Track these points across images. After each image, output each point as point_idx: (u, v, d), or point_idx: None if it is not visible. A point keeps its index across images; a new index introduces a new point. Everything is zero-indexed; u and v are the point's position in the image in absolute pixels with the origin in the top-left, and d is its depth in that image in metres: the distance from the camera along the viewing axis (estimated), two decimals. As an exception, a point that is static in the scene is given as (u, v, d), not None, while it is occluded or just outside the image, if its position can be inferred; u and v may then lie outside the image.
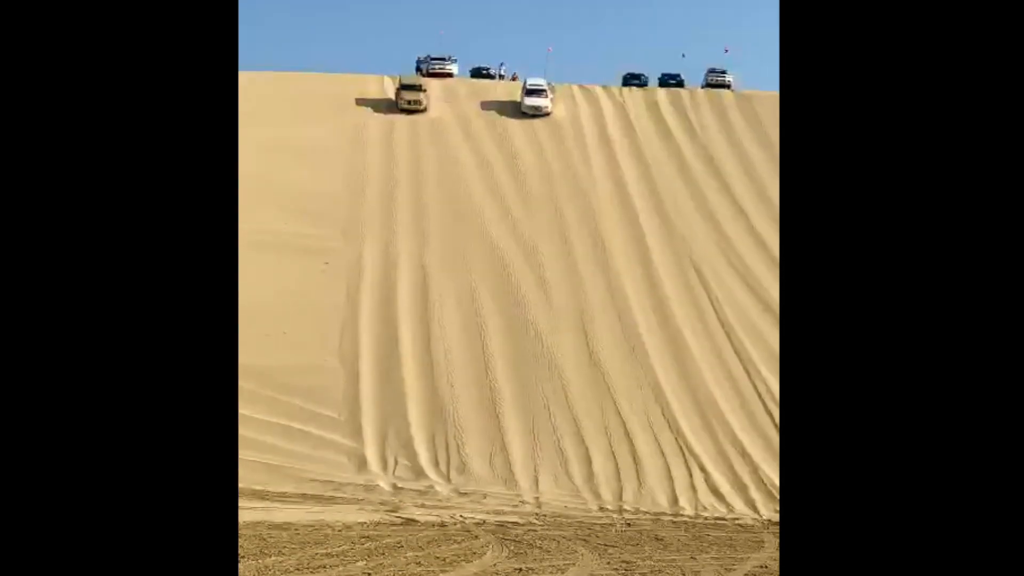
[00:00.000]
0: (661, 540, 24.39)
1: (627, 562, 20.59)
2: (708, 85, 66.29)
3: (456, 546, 22.00)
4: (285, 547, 20.42)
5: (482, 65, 69.94)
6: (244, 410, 29.78)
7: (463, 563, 19.83)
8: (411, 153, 55.35)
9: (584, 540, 23.73)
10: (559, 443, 34.50)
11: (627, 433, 35.14)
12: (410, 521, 26.48)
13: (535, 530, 25.41)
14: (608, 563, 20.41)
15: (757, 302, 43.34)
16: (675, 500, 31.57)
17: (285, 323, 39.50)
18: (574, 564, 20.16)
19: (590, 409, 36.27)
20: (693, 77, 67.46)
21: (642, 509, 30.63)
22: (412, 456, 33.56)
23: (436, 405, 36.25)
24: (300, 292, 42.19)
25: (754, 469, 33.41)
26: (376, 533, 23.65)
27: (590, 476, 32.86)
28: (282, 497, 29.30)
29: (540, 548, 22.15)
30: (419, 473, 32.71)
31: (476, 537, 23.65)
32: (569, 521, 27.72)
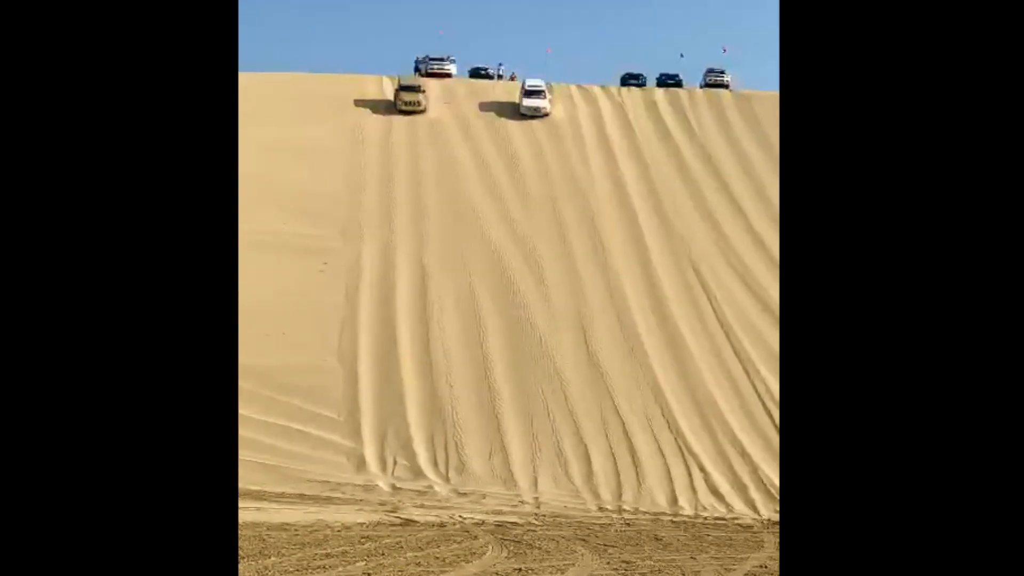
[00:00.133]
0: (660, 540, 24.39)
1: (627, 562, 20.58)
2: (706, 85, 66.32)
3: (455, 546, 22.00)
4: (284, 548, 20.41)
5: (481, 65, 69.98)
6: (242, 410, 29.74)
7: (462, 563, 19.82)
8: (410, 153, 55.37)
9: (583, 540, 23.72)
10: (558, 443, 34.51)
11: (626, 433, 35.14)
12: (409, 521, 26.48)
13: (534, 530, 25.41)
14: (608, 563, 20.40)
15: (756, 301, 43.36)
16: (674, 500, 31.58)
17: (284, 323, 39.50)
18: (573, 564, 20.15)
19: (589, 409, 36.28)
20: (691, 77, 67.58)
21: (641, 509, 30.64)
22: (411, 456, 33.57)
23: (435, 405, 36.26)
24: (299, 292, 42.19)
25: (753, 469, 33.42)
26: (375, 533, 23.65)
27: (589, 476, 32.87)
28: (280, 497, 29.30)
29: (539, 548, 22.14)
30: (418, 473, 32.71)
31: (475, 537, 23.65)
32: (568, 521, 27.72)
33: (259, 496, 28.55)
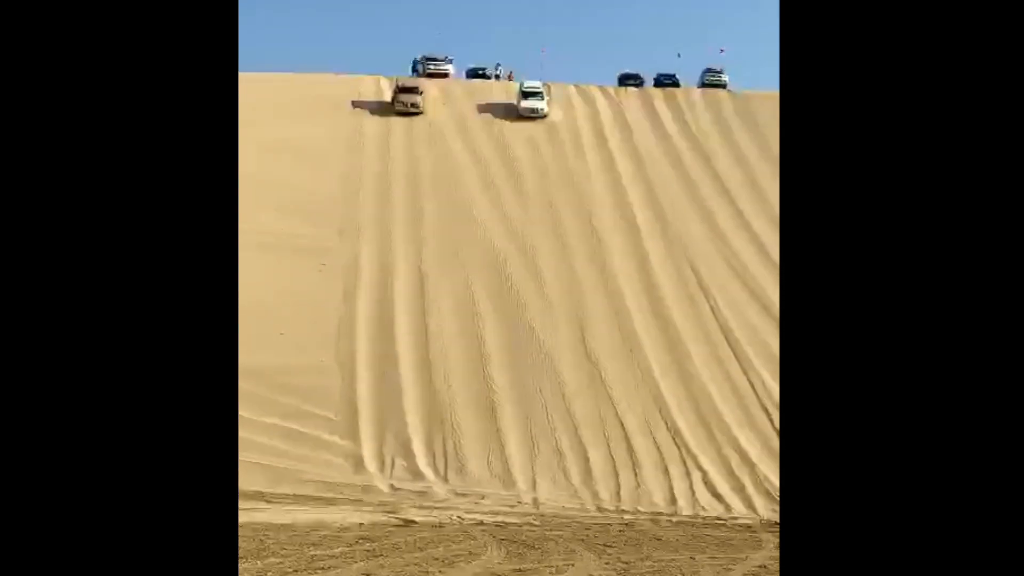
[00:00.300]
0: (660, 540, 24.39)
1: (626, 562, 20.57)
2: (704, 85, 66.34)
3: (454, 547, 21.98)
4: (284, 548, 20.40)
5: (478, 66, 69.97)
6: (241, 411, 29.71)
7: (461, 564, 19.81)
8: (408, 153, 55.35)
9: (582, 540, 23.72)
10: (557, 443, 34.50)
11: (625, 433, 35.14)
12: (408, 522, 26.48)
13: (533, 530, 25.41)
14: (607, 563, 20.39)
15: (754, 301, 43.37)
16: (673, 500, 31.59)
17: (282, 323, 39.47)
18: (572, 564, 20.13)
19: (588, 409, 36.28)
20: (689, 77, 67.58)
21: (640, 509, 30.64)
22: (409, 457, 33.55)
23: (433, 405, 36.24)
24: (297, 292, 42.16)
25: (752, 469, 33.42)
26: (374, 534, 23.65)
27: (588, 476, 32.87)
28: (279, 498, 29.29)
29: (538, 549, 22.13)
30: (416, 474, 32.70)
31: (474, 538, 23.64)
32: (567, 521, 27.72)
33: (258, 497, 28.54)
